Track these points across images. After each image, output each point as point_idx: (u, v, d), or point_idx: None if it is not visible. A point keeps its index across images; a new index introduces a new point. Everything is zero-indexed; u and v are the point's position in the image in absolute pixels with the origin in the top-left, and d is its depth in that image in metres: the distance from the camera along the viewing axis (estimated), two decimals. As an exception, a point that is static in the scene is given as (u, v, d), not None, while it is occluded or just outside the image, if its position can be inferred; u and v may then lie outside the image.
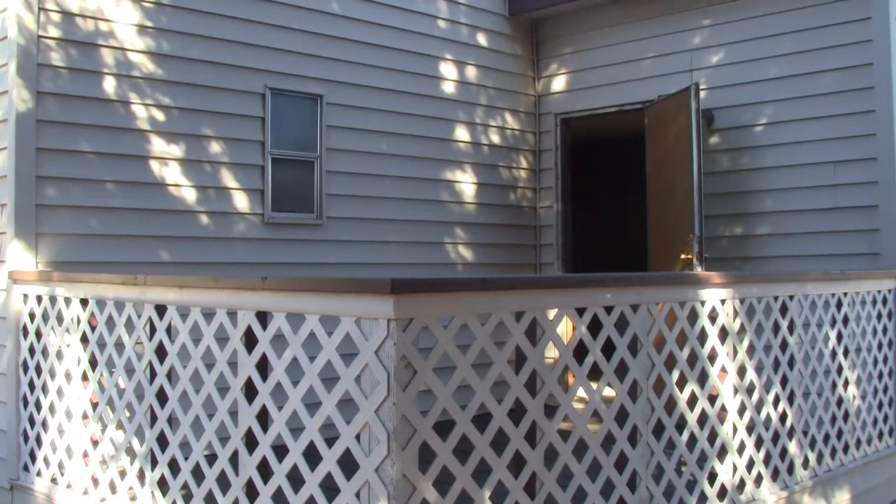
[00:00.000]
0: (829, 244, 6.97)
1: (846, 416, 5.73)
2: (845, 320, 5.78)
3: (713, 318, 4.66)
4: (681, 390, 4.42)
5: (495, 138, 8.55)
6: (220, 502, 3.88)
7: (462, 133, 8.24)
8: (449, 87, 8.15)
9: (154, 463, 4.32)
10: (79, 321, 4.90)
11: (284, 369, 3.57)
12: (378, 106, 7.57)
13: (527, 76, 8.89)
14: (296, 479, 3.51)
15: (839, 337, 5.72)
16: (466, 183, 8.26)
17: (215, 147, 6.55)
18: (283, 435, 3.56)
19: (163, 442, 4.27)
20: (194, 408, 4.03)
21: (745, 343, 4.87)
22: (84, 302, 4.88)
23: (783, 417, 5.13)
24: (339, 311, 3.34)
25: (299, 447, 3.47)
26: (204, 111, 6.50)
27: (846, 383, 5.76)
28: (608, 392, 4.03)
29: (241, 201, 6.68)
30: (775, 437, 5.05)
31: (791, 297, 5.24)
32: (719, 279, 4.74)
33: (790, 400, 5.19)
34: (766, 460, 4.96)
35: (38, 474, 5.22)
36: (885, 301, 6.26)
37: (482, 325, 3.47)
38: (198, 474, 4.05)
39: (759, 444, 4.91)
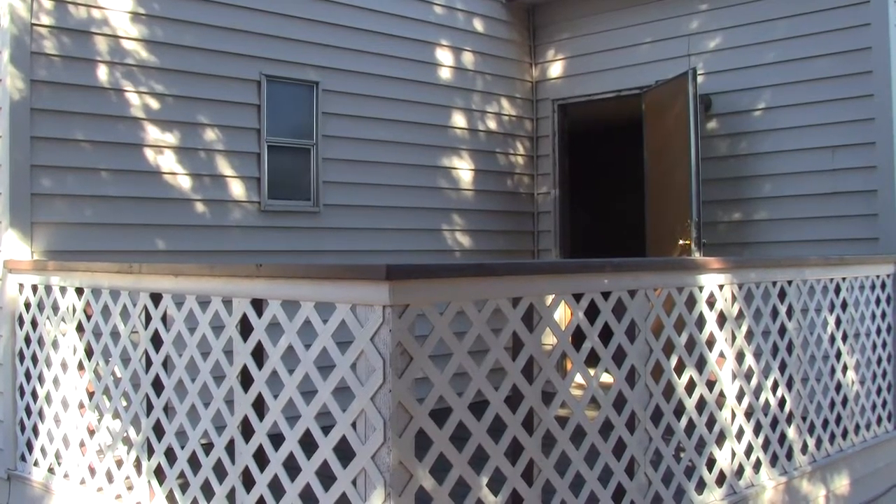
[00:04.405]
0: (827, 229, 6.95)
1: (845, 401, 5.71)
2: (844, 305, 5.77)
3: (711, 303, 4.65)
4: (679, 376, 4.40)
5: (492, 125, 8.52)
6: (216, 491, 3.87)
7: (459, 119, 8.21)
8: (445, 74, 8.11)
9: (150, 452, 4.30)
10: (74, 310, 4.88)
11: (280, 357, 3.55)
12: (374, 93, 7.54)
13: (524, 62, 8.85)
14: (292, 467, 3.50)
15: (838, 322, 5.70)
16: (463, 170, 8.23)
17: (210, 135, 6.52)
18: (279, 423, 3.55)
19: (159, 431, 4.25)
20: (190, 396, 4.02)
21: (744, 328, 4.86)
22: (79, 291, 4.86)
23: (782, 403, 5.12)
24: (335, 297, 3.32)
25: (295, 435, 3.45)
26: (199, 99, 6.47)
27: (845, 368, 5.75)
28: (606, 378, 4.01)
29: (237, 189, 6.65)
30: (774, 423, 5.04)
31: (789, 283, 5.23)
32: (717, 264, 4.72)
33: (789, 385, 5.18)
34: (765, 446, 4.95)
35: (35, 464, 5.21)
36: (883, 286, 6.25)
37: (479, 311, 3.45)
38: (194, 463, 4.03)
39: (757, 429, 4.90)
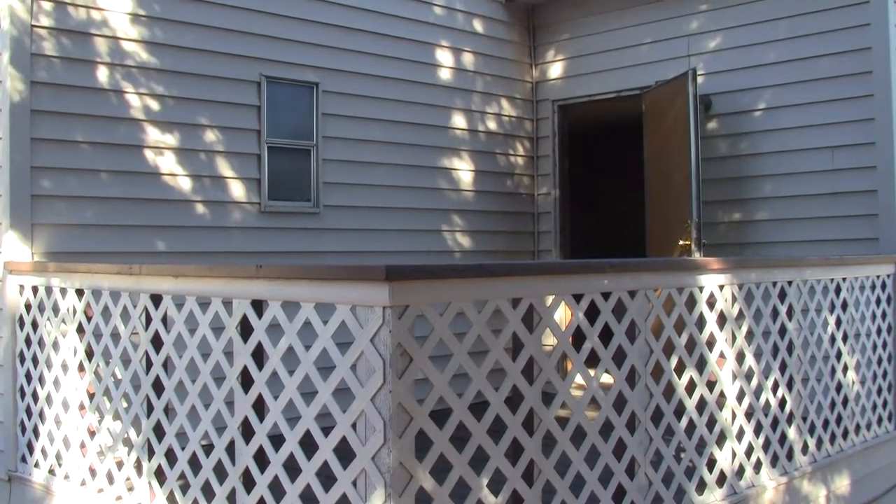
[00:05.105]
0: (827, 229, 6.95)
1: (845, 401, 5.71)
2: (844, 305, 5.77)
3: (711, 303, 4.64)
4: (679, 376, 4.40)
5: (492, 125, 8.52)
6: (216, 492, 3.87)
7: (459, 120, 8.21)
8: (445, 75, 8.11)
9: (151, 453, 4.30)
10: (75, 311, 4.88)
11: (280, 358, 3.55)
12: (374, 93, 7.54)
13: (523, 63, 8.86)
14: (292, 468, 3.50)
15: (838, 322, 5.70)
16: (463, 170, 8.23)
17: (210, 136, 6.52)
18: (280, 424, 3.55)
19: (159, 432, 4.25)
20: (190, 397, 4.02)
21: (744, 329, 4.85)
22: (80, 292, 4.86)
23: (782, 403, 5.12)
24: (335, 298, 3.32)
25: (295, 436, 3.45)
26: (199, 100, 6.47)
27: (845, 369, 5.75)
28: (606, 379, 4.01)
29: (237, 190, 6.66)
30: (774, 423, 5.04)
31: (790, 283, 5.23)
32: (717, 265, 4.72)
33: (789, 386, 5.18)
34: (766, 446, 4.95)
35: (36, 465, 5.21)
36: (884, 286, 6.24)
37: (479, 312, 3.45)
38: (195, 464, 4.04)
39: (758, 430, 4.90)
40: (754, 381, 4.90)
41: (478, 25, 8.41)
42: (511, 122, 8.71)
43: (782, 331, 5.17)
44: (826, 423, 5.53)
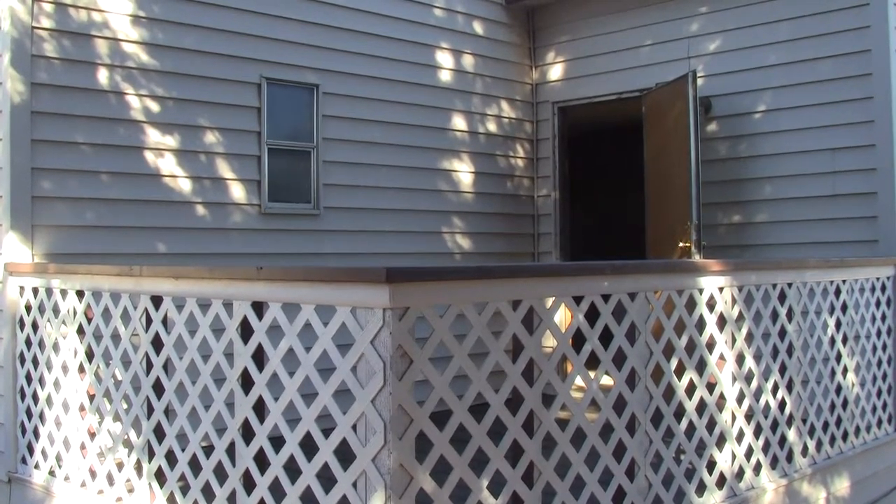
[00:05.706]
0: (827, 231, 6.95)
1: (845, 403, 5.71)
2: (844, 308, 5.77)
3: (711, 305, 4.65)
4: (679, 378, 4.40)
5: (492, 127, 8.52)
6: (217, 493, 3.87)
7: (459, 122, 8.21)
8: (445, 76, 8.12)
9: (151, 454, 4.31)
10: (75, 313, 4.88)
11: (280, 359, 3.55)
12: (374, 95, 7.54)
13: (524, 65, 8.86)
14: (293, 469, 3.50)
15: (838, 324, 5.70)
16: (463, 172, 8.23)
17: (211, 137, 6.53)
18: (280, 426, 3.55)
19: (160, 433, 4.26)
20: (191, 399, 4.02)
21: (744, 331, 4.86)
22: (80, 293, 4.86)
23: (782, 405, 5.12)
24: (335, 300, 3.33)
25: (296, 438, 3.46)
26: (199, 101, 6.47)
27: (845, 371, 5.75)
28: (606, 381, 4.01)
29: (237, 192, 6.66)
30: (774, 425, 5.04)
31: (789, 285, 5.23)
32: (717, 267, 4.73)
33: (789, 388, 5.18)
34: (765, 448, 4.95)
35: (36, 467, 5.21)
36: (884, 288, 6.25)
37: (479, 313, 3.45)
38: (195, 465, 4.03)
39: (757, 432, 4.90)
40: (754, 383, 4.91)
41: (478, 27, 8.42)
42: (511, 123, 8.71)
43: (782, 333, 5.18)
44: (826, 426, 5.53)
